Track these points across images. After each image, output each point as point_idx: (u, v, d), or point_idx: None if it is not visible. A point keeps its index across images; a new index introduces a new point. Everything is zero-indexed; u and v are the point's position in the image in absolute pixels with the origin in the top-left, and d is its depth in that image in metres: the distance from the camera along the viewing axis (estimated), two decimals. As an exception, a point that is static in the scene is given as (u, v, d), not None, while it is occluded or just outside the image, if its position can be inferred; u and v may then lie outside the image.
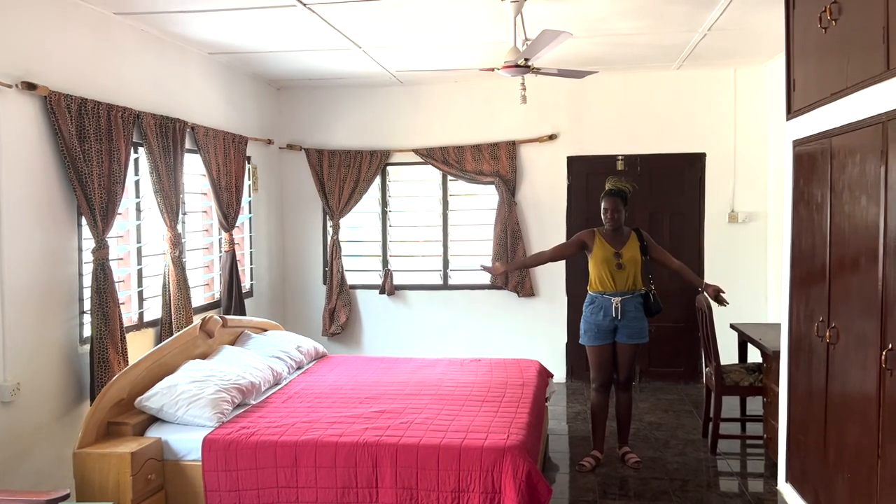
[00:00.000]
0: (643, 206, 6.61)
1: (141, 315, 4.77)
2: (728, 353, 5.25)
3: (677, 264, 4.58)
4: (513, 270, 5.66)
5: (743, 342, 5.23)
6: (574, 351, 6.77)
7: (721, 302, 4.42)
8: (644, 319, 4.46)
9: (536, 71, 4.43)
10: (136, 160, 4.69)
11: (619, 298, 4.38)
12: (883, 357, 2.78)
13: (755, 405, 5.23)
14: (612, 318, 4.40)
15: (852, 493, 3.14)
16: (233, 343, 5.01)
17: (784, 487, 4.09)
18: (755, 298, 6.45)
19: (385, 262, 7.03)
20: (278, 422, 3.86)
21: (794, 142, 3.91)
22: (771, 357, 4.39)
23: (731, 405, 5.33)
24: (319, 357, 5.50)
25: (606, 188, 4.53)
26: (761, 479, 4.47)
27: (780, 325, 4.26)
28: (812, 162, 3.65)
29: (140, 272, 4.77)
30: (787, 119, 3.98)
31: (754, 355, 5.16)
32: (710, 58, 5.96)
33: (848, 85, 3.14)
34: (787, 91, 3.93)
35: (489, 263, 5.99)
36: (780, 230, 5.01)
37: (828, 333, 3.36)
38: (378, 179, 6.97)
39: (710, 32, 5.09)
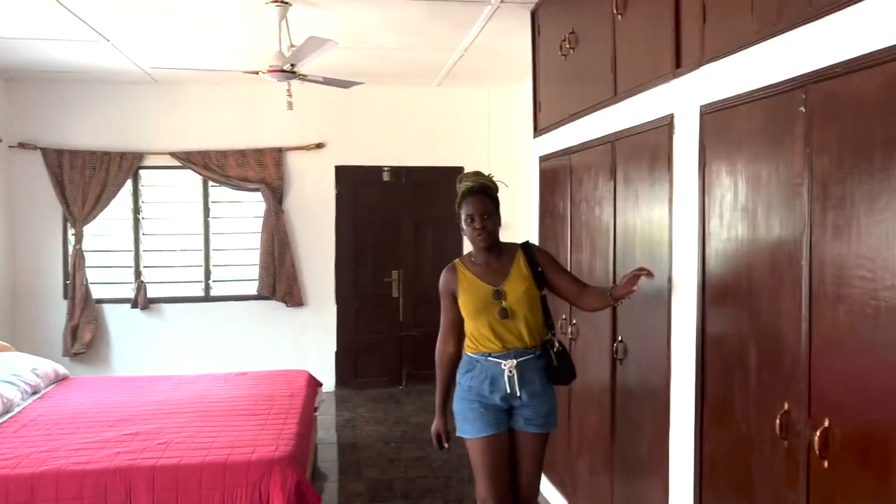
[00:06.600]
0: (409, 216, 6.85)
1: None
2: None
3: (593, 292, 2.91)
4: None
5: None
6: (343, 359, 6.81)
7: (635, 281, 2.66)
8: (552, 391, 2.91)
9: (303, 77, 4.41)
10: None
11: (513, 361, 2.79)
12: (614, 348, 3.15)
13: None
14: (503, 393, 2.80)
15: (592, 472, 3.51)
16: (-51, 369, 4.33)
17: (535, 474, 4.45)
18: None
19: (138, 274, 6.51)
20: (10, 453, 3.40)
21: (540, 157, 4.30)
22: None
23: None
24: (60, 379, 4.94)
25: (465, 187, 3.05)
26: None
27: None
28: (555, 176, 4.04)
29: None
30: (534, 137, 4.36)
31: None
32: (466, 77, 6.34)
33: (584, 107, 3.53)
34: (534, 111, 4.33)
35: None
36: (529, 238, 5.47)
37: (570, 329, 3.73)
38: (129, 184, 6.45)
39: (465, 53, 5.42)
